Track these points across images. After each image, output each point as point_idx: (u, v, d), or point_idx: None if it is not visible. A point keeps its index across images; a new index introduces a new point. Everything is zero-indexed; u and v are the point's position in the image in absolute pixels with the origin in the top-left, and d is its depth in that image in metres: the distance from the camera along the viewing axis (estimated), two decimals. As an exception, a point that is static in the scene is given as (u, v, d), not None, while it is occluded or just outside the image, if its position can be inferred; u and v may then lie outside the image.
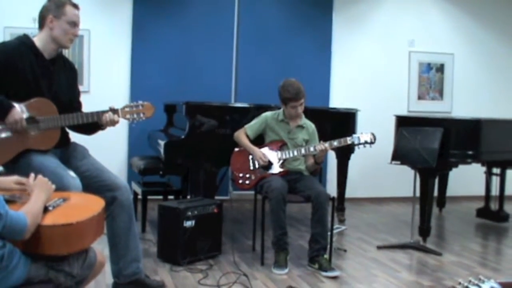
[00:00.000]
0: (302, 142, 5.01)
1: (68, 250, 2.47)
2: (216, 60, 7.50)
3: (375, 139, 4.85)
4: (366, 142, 4.84)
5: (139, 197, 5.89)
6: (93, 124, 3.63)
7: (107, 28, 7.24)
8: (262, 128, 5.08)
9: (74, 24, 3.58)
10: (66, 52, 6.47)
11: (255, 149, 4.97)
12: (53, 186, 2.69)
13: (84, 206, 2.70)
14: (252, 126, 5.10)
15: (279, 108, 5.10)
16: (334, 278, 4.47)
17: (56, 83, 3.58)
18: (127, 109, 3.69)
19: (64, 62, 3.73)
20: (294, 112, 4.93)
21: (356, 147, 5.01)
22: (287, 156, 4.90)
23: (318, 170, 5.19)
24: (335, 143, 4.79)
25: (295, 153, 4.88)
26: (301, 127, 5.06)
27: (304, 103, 4.94)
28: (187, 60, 7.43)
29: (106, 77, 7.20)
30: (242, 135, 5.07)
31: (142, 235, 5.56)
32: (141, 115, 3.70)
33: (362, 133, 4.86)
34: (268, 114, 5.12)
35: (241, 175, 4.96)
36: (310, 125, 5.13)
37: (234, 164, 5.03)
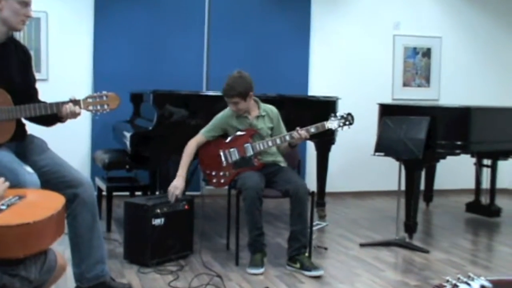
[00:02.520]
0: (268, 131, 4.97)
1: (24, 252, 2.43)
2: (186, 45, 7.47)
3: (353, 119, 4.87)
4: (344, 124, 4.84)
5: (104, 193, 5.86)
6: (52, 116, 3.59)
7: (67, 10, 7.14)
8: (221, 128, 4.96)
9: (26, 4, 3.52)
10: (20, 37, 6.39)
11: (177, 177, 4.79)
12: (7, 183, 2.65)
13: (42, 204, 2.67)
14: (209, 129, 4.97)
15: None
16: (315, 278, 4.48)
17: (8, 68, 3.52)
18: (89, 100, 3.65)
19: (16, 46, 3.66)
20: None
21: (336, 131, 4.98)
22: (261, 148, 4.86)
23: (296, 162, 5.18)
24: (312, 129, 4.78)
25: (270, 143, 4.85)
26: (261, 116, 4.99)
27: (240, 103, 4.82)
28: (155, 45, 7.38)
29: (66, 63, 7.12)
30: (189, 149, 4.90)
31: (107, 234, 5.53)
32: (105, 106, 3.67)
33: (337, 115, 4.87)
34: (224, 112, 5.00)
35: (214, 173, 4.91)
36: (271, 110, 5.07)
37: (203, 161, 4.96)
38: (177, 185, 4.76)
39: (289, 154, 5.12)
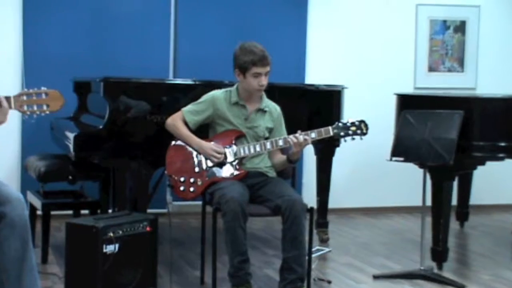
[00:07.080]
0: (265, 132, 5.01)
1: None
2: (147, 19, 7.48)
3: (367, 128, 4.89)
4: (355, 133, 4.87)
5: (38, 212, 5.84)
6: None
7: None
8: (208, 114, 5.02)
9: None
10: None
11: (200, 141, 4.92)
12: None
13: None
14: (193, 111, 5.04)
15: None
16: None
17: None
18: (23, 98, 3.64)
19: None
20: (256, 84, 4.90)
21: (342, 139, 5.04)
22: (246, 152, 4.88)
23: (289, 170, 5.20)
24: (313, 134, 4.80)
25: (257, 148, 4.87)
26: (262, 111, 5.04)
27: (268, 75, 4.93)
28: (107, 21, 7.38)
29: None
30: (179, 122, 5.03)
31: (43, 267, 5.50)
32: (44, 107, 3.67)
33: (348, 121, 4.89)
34: (216, 93, 5.07)
35: (182, 179, 4.91)
36: (275, 108, 5.14)
37: (171, 164, 4.97)
38: (212, 147, 4.87)
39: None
